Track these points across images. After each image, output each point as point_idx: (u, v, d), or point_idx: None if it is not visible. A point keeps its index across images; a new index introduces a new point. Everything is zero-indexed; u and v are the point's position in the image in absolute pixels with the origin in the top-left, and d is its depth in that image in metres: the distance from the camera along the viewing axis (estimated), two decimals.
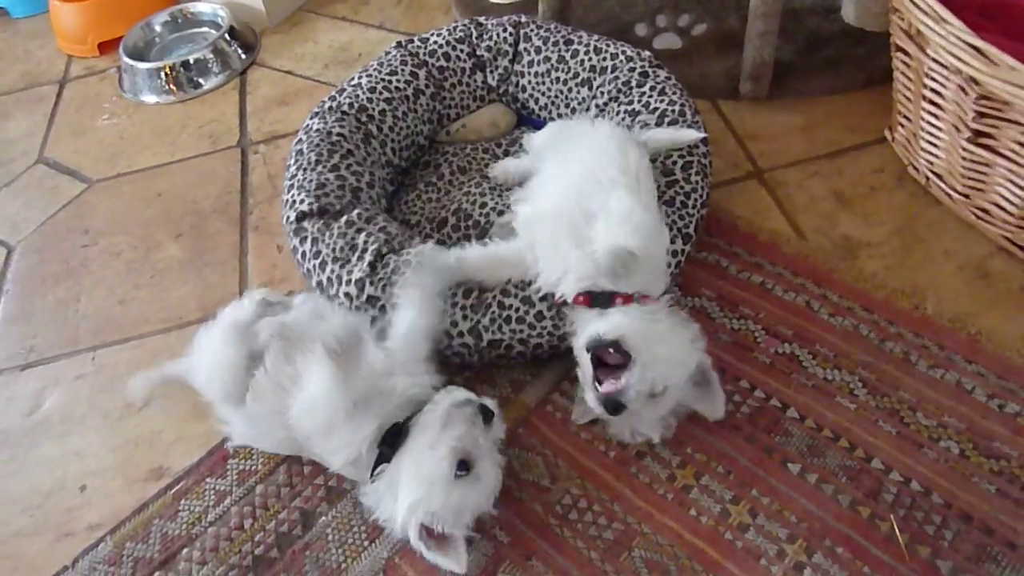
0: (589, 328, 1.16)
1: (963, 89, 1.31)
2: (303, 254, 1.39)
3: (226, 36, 2.19)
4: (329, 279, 1.34)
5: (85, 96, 2.23)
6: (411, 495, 1.07)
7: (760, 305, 1.40)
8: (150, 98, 2.14)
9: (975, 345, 1.30)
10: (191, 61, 2.13)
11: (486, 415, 1.13)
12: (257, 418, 1.20)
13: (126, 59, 2.16)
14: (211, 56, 2.15)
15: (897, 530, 1.11)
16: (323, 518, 1.23)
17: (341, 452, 1.12)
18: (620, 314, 1.17)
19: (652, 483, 1.20)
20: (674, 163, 1.40)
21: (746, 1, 1.68)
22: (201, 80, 2.14)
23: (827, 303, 1.39)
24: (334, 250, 1.35)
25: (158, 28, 2.33)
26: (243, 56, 2.20)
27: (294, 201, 1.44)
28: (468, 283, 1.31)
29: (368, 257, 1.32)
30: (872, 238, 1.48)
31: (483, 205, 1.51)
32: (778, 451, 1.21)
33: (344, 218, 1.39)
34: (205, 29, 2.32)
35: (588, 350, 1.15)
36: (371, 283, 1.30)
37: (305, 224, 1.40)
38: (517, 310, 1.27)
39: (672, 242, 1.32)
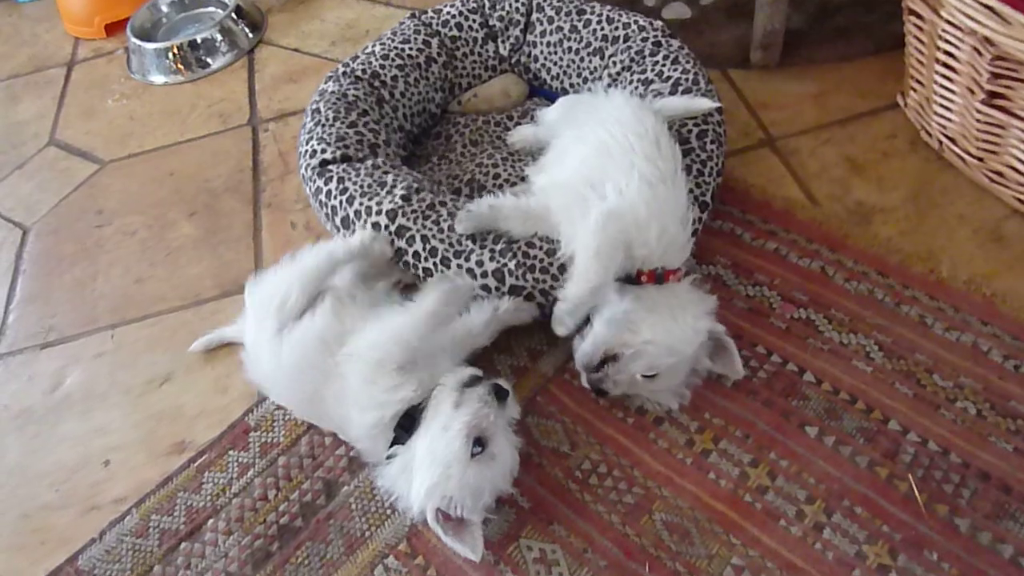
0: (583, 343, 1.22)
1: (977, 50, 1.30)
2: (328, 192, 1.41)
3: (233, 15, 2.19)
4: (357, 211, 1.36)
5: (93, 78, 2.23)
6: (427, 479, 1.07)
7: (775, 271, 1.40)
8: (158, 78, 2.14)
9: (990, 307, 1.30)
10: (198, 41, 2.13)
11: (499, 394, 1.13)
12: (287, 368, 1.19)
13: (134, 40, 2.16)
14: (218, 35, 2.15)
15: (916, 489, 1.12)
16: (346, 487, 1.24)
17: (370, 413, 1.12)
18: (610, 311, 1.20)
19: (671, 448, 1.21)
20: (689, 131, 1.40)
21: None
22: (209, 60, 2.14)
23: (842, 268, 1.39)
24: (362, 187, 1.38)
25: (164, 8, 2.33)
26: (250, 35, 2.20)
27: (314, 151, 1.47)
28: (498, 231, 1.32)
29: (399, 191, 1.36)
30: (886, 203, 1.48)
31: (496, 176, 1.51)
32: (795, 415, 1.22)
33: (369, 162, 1.44)
34: (211, 8, 2.32)
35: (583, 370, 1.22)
36: (403, 214, 1.33)
37: (331, 167, 1.44)
38: (541, 260, 1.28)
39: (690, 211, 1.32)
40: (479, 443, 1.08)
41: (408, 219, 1.33)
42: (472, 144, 1.64)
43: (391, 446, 1.12)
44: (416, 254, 1.32)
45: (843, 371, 1.26)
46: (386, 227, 1.33)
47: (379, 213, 1.34)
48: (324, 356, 1.15)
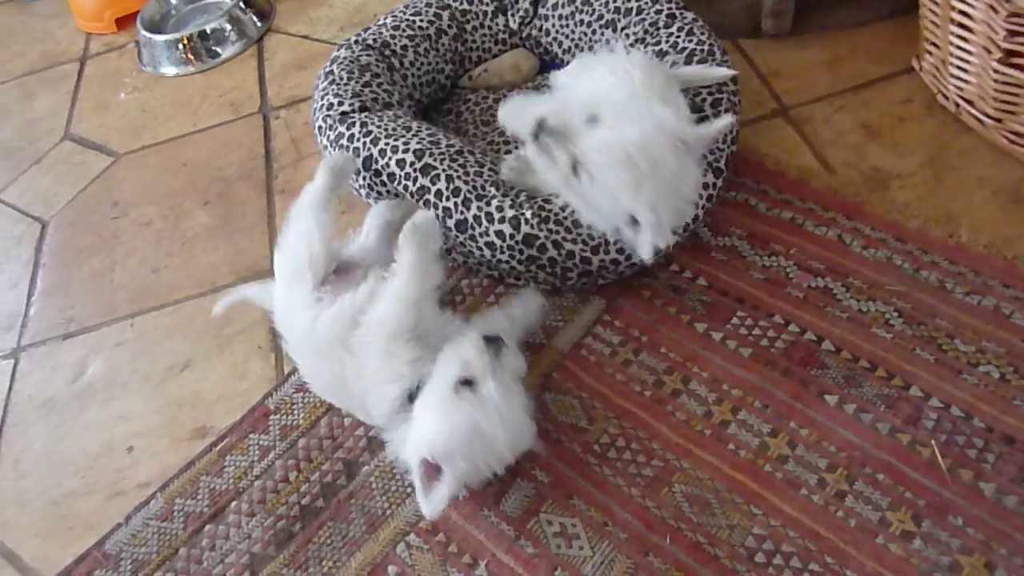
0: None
1: (993, 8, 1.27)
2: (351, 136, 1.44)
3: (241, 4, 2.19)
4: (382, 150, 1.39)
5: (106, 72, 2.25)
6: (418, 428, 1.06)
7: (791, 241, 1.39)
8: (169, 70, 2.15)
9: (1012, 270, 1.28)
10: (208, 31, 2.14)
11: (491, 341, 1.09)
12: (319, 341, 1.18)
13: (144, 33, 2.17)
14: (227, 25, 2.15)
15: (939, 455, 1.11)
16: (366, 467, 1.25)
17: (391, 386, 1.10)
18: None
19: (689, 420, 1.21)
20: (703, 100, 1.39)
21: None
22: (219, 49, 2.15)
23: (859, 236, 1.37)
24: (387, 129, 1.41)
25: (173, 0, 2.33)
26: (259, 23, 2.20)
27: (331, 104, 1.50)
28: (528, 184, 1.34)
29: (425, 135, 1.39)
30: (903, 169, 1.46)
31: (508, 154, 1.50)
32: (815, 383, 1.21)
33: (391, 111, 1.47)
34: None
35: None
36: (430, 155, 1.35)
37: (352, 114, 1.47)
38: (556, 213, 1.28)
39: (703, 176, 1.31)
40: (466, 383, 1.05)
41: (435, 159, 1.35)
42: (483, 124, 1.63)
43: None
44: (439, 192, 1.33)
45: (862, 338, 1.25)
46: (411, 164, 1.35)
47: (406, 151, 1.36)
48: (352, 332, 1.14)
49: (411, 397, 1.10)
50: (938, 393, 1.17)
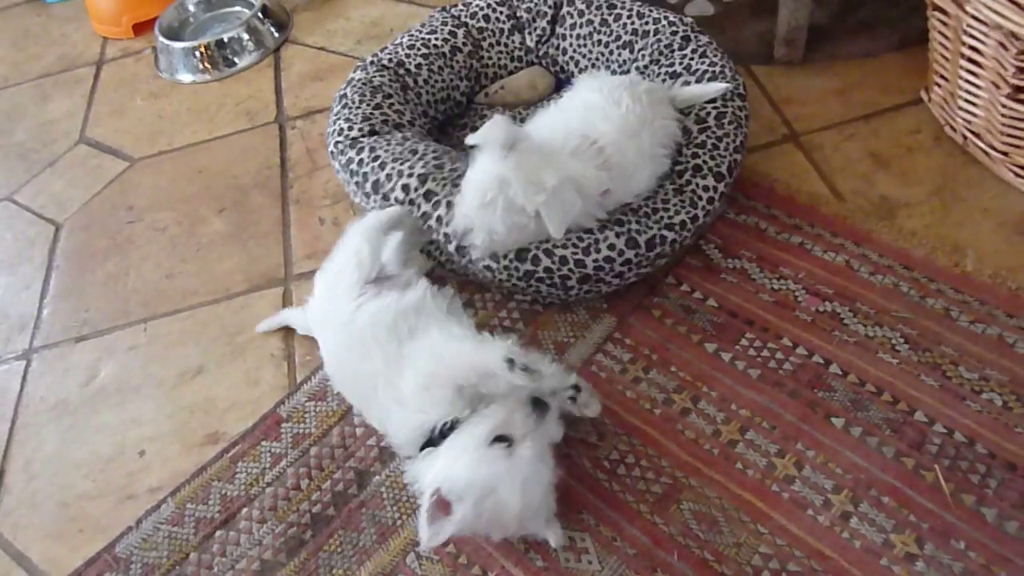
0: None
1: (1003, 45, 1.31)
2: (360, 161, 1.47)
3: (259, 14, 2.22)
4: (388, 175, 1.42)
5: (122, 77, 2.27)
6: (442, 462, 1.06)
7: (800, 265, 1.41)
8: (186, 77, 2.18)
9: (1016, 299, 1.31)
10: (225, 40, 2.16)
11: (537, 404, 1.09)
12: (357, 338, 1.19)
13: (161, 39, 2.19)
14: (245, 35, 2.18)
15: (942, 479, 1.13)
16: (377, 477, 1.27)
17: (415, 416, 1.11)
18: None
19: (698, 439, 1.23)
20: (707, 114, 1.44)
21: None
22: (235, 59, 2.17)
23: (867, 262, 1.40)
24: (393, 153, 1.45)
25: (191, 8, 2.36)
26: (276, 34, 2.23)
27: (343, 129, 1.54)
28: None
29: (431, 159, 1.42)
30: (910, 198, 1.49)
31: None
32: (822, 406, 1.23)
33: (399, 134, 1.51)
34: (238, 8, 2.35)
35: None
36: (433, 179, 1.38)
37: (361, 139, 1.51)
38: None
39: (703, 179, 1.37)
40: (503, 439, 1.05)
41: (437, 184, 1.37)
42: None
43: (423, 447, 1.11)
44: (439, 219, 1.36)
45: (869, 363, 1.27)
46: (415, 189, 1.38)
47: (410, 176, 1.39)
48: (391, 340, 1.16)
49: (432, 434, 1.10)
50: (942, 419, 1.20)
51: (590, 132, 1.31)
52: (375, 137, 1.51)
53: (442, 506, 1.02)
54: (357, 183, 1.47)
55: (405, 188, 1.39)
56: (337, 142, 1.53)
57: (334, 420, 1.35)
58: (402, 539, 1.19)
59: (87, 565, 1.25)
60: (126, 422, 1.44)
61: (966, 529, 1.09)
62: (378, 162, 1.44)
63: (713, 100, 1.46)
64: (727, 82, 1.47)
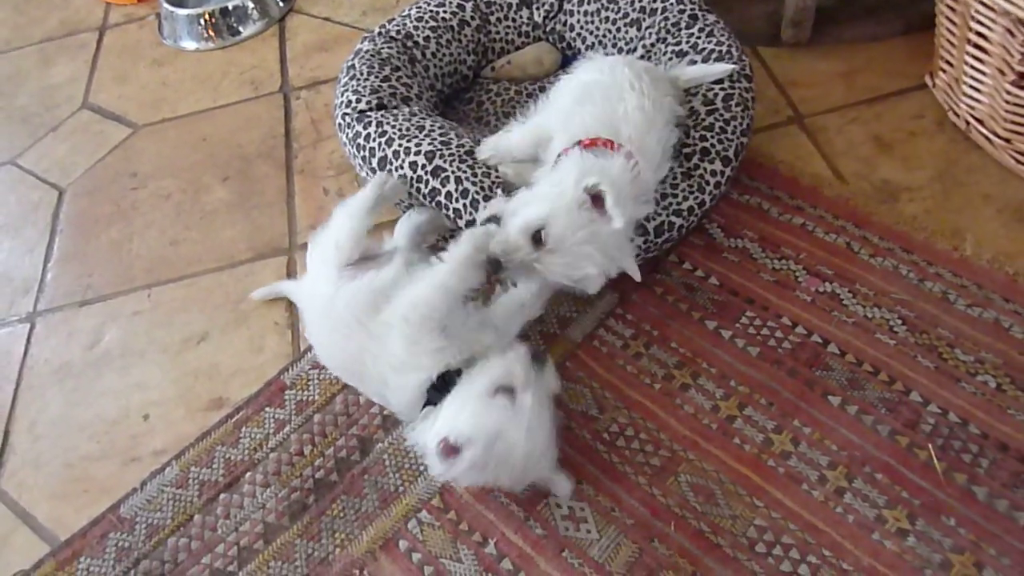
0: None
1: (1010, 31, 1.32)
2: (367, 136, 1.46)
3: None
4: (395, 151, 1.42)
5: (125, 43, 2.26)
6: (446, 415, 1.08)
7: (801, 246, 1.43)
8: (190, 44, 2.17)
9: (1013, 284, 1.32)
10: (230, 8, 2.15)
11: (536, 357, 1.11)
12: (338, 320, 1.20)
13: (166, 6, 2.18)
14: (250, 3, 2.17)
15: (935, 458, 1.16)
16: (379, 444, 1.29)
17: (411, 375, 1.12)
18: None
19: (697, 413, 1.25)
20: (715, 95, 1.44)
21: None
22: (240, 27, 2.16)
23: (867, 244, 1.41)
24: (400, 129, 1.44)
25: None
26: (281, 4, 2.22)
27: (351, 101, 1.53)
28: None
29: (437, 135, 1.42)
30: (912, 182, 1.50)
31: None
32: (819, 384, 1.25)
33: (406, 109, 1.50)
34: None
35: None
36: (440, 156, 1.38)
37: (369, 113, 1.50)
38: None
39: (711, 163, 1.37)
40: (505, 390, 1.07)
41: (445, 160, 1.38)
42: (504, 116, 1.66)
43: (424, 407, 1.13)
44: (448, 194, 1.36)
45: (867, 343, 1.29)
46: (423, 166, 1.38)
47: (417, 153, 1.39)
48: (373, 314, 1.17)
49: (435, 386, 1.11)
50: (937, 399, 1.22)
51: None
52: (383, 111, 1.51)
53: (451, 451, 1.04)
54: (363, 158, 1.47)
55: (413, 165, 1.39)
56: (345, 114, 1.52)
57: (337, 388, 1.36)
58: (404, 505, 1.21)
59: (92, 525, 1.27)
60: (130, 386, 1.46)
61: (957, 506, 1.11)
62: (385, 138, 1.44)
63: (720, 81, 1.46)
64: (733, 63, 1.47)
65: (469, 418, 1.05)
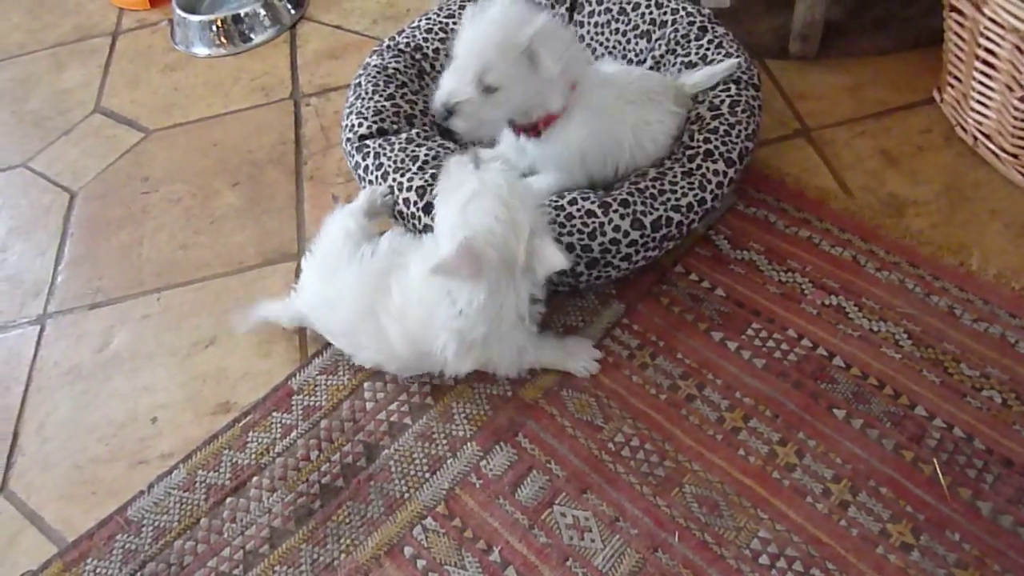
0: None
1: (1019, 48, 1.32)
2: (366, 168, 1.48)
3: None
4: (391, 187, 1.43)
5: (138, 48, 2.28)
6: (443, 223, 1.18)
7: (807, 259, 1.43)
8: (201, 50, 2.19)
9: (1019, 300, 1.33)
10: (242, 15, 2.17)
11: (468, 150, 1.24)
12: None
13: (178, 11, 2.20)
14: (262, 10, 2.19)
15: (940, 473, 1.16)
16: (386, 451, 1.29)
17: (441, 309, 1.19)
18: None
19: (702, 424, 1.25)
20: (721, 102, 1.46)
21: None
22: (251, 34, 2.18)
23: (873, 258, 1.42)
24: (395, 162, 1.45)
25: None
26: (292, 11, 2.24)
27: (353, 125, 1.55)
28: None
29: (429, 169, 1.42)
30: (919, 196, 1.51)
31: None
32: (824, 397, 1.26)
33: (404, 135, 1.51)
34: None
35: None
36: (430, 192, 1.38)
37: (368, 142, 1.51)
38: (549, 212, 1.33)
39: (714, 163, 1.38)
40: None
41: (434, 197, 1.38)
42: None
43: None
44: None
45: (872, 357, 1.29)
46: (415, 203, 1.39)
47: (409, 189, 1.40)
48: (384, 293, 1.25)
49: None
50: (942, 414, 1.22)
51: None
52: (382, 139, 1.51)
53: (468, 259, 1.10)
54: (366, 187, 1.49)
55: (406, 202, 1.40)
56: (348, 139, 1.54)
57: (345, 394, 1.37)
58: (409, 511, 1.22)
59: (99, 526, 1.28)
60: (139, 389, 1.46)
61: (961, 522, 1.12)
62: (381, 171, 1.44)
63: (727, 88, 1.47)
64: (737, 57, 1.50)
65: (465, 213, 1.13)
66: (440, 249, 1.14)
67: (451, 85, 1.26)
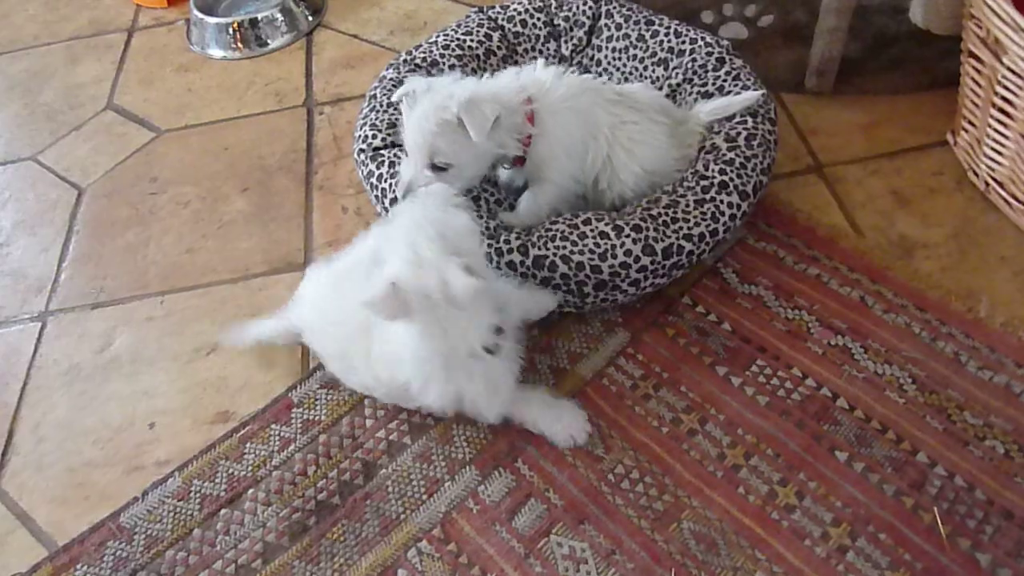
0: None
1: None
2: (380, 176, 1.48)
3: None
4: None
5: (153, 46, 2.28)
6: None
7: (815, 297, 1.43)
8: (217, 52, 2.19)
9: None
10: (259, 19, 2.17)
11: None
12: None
13: (196, 12, 2.20)
14: (279, 15, 2.18)
15: (939, 521, 1.15)
16: (383, 470, 1.28)
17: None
18: None
19: (703, 460, 1.25)
20: (738, 134, 1.46)
21: None
22: (268, 39, 2.18)
23: (881, 299, 1.42)
24: None
25: None
26: (310, 18, 2.24)
27: (366, 137, 1.55)
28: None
29: None
30: (929, 239, 1.51)
31: None
32: (827, 438, 1.25)
33: None
34: None
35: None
36: None
37: (383, 151, 1.52)
38: (561, 231, 1.34)
39: (728, 195, 1.38)
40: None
41: None
42: None
43: None
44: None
45: (876, 400, 1.29)
46: None
47: None
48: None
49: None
50: (944, 462, 1.22)
51: None
52: (397, 150, 1.51)
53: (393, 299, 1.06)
54: (377, 196, 1.49)
55: None
56: (360, 150, 1.54)
57: (345, 409, 1.36)
58: (405, 533, 1.21)
59: (91, 531, 1.27)
60: (138, 393, 1.46)
61: (959, 572, 1.11)
62: (396, 179, 1.44)
63: (744, 121, 1.47)
64: (757, 90, 1.50)
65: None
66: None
67: (408, 175, 1.35)
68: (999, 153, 1.48)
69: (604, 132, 1.40)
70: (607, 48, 1.72)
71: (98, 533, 1.27)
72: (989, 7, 1.35)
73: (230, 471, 1.32)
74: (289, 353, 1.47)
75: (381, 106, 1.60)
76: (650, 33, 1.66)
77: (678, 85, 1.61)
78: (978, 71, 1.47)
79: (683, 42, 1.62)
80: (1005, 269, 1.45)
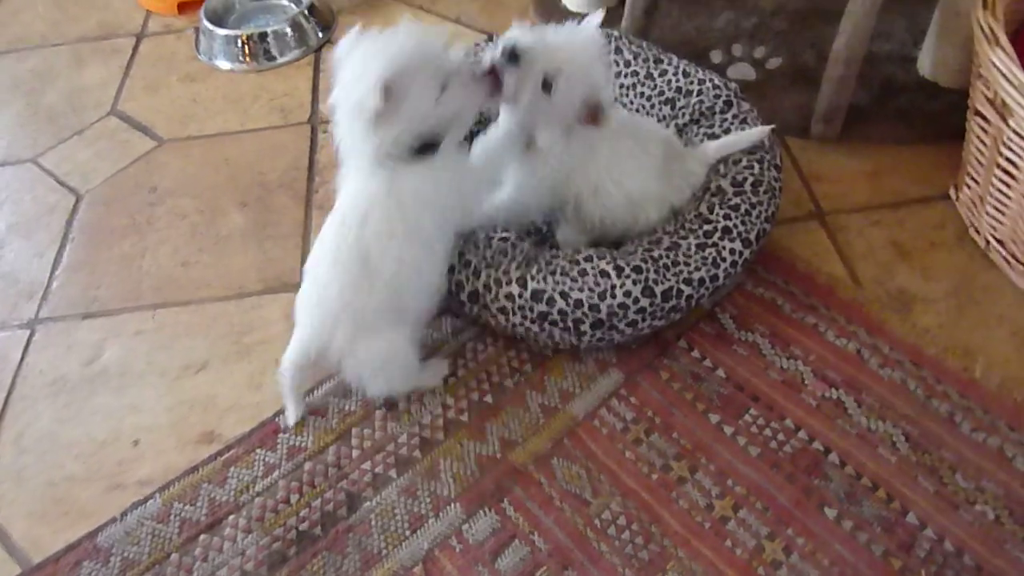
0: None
1: None
2: None
3: (305, 12, 2.22)
4: None
5: (161, 53, 2.27)
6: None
7: (811, 347, 1.42)
8: (224, 64, 2.18)
9: (1020, 413, 1.32)
10: (269, 33, 2.16)
11: None
12: None
13: (205, 22, 2.19)
14: (289, 30, 2.18)
15: None
16: (367, 503, 1.27)
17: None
18: None
19: (691, 510, 1.23)
20: (744, 179, 1.45)
21: (822, 38, 1.69)
22: (276, 53, 2.17)
23: (877, 353, 1.41)
24: None
25: None
26: (320, 34, 2.23)
27: None
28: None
29: None
30: (928, 294, 1.50)
31: None
32: (816, 493, 1.24)
33: None
34: (285, 2, 2.35)
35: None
36: None
37: None
38: (562, 266, 1.34)
39: (731, 242, 1.38)
40: None
41: None
42: None
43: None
44: (451, 267, 1.38)
45: (868, 457, 1.28)
46: None
47: None
48: None
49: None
50: (933, 524, 1.20)
51: None
52: None
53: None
54: None
55: None
56: None
57: (332, 438, 1.35)
58: (385, 570, 1.19)
59: (67, 550, 1.25)
60: (124, 408, 1.44)
61: None
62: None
63: (751, 167, 1.46)
64: (764, 132, 1.51)
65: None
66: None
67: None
68: (1001, 212, 1.47)
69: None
70: (615, 84, 1.71)
71: (74, 552, 1.25)
72: (997, 68, 1.35)
73: (212, 495, 1.30)
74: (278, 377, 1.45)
75: None
76: (658, 72, 1.65)
77: (685, 125, 1.60)
78: (984, 130, 1.47)
79: (691, 82, 1.62)
80: (1003, 328, 1.44)
